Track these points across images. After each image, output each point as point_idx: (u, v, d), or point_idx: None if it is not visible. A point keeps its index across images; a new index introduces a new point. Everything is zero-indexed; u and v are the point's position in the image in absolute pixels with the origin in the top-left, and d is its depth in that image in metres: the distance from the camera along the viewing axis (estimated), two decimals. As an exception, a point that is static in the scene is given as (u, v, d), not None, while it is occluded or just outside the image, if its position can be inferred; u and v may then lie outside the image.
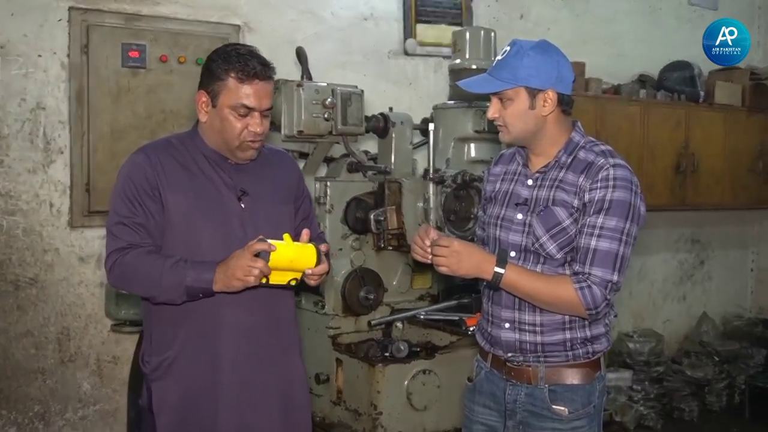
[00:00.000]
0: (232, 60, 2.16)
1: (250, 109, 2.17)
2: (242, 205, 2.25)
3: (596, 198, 2.07)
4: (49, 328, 3.76)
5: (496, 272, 2.08)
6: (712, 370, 5.49)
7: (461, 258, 2.08)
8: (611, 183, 2.07)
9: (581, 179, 2.11)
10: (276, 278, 2.10)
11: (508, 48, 2.16)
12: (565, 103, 2.16)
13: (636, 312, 5.81)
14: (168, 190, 2.18)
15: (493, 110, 2.18)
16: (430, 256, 2.13)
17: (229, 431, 2.23)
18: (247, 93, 2.16)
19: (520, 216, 2.19)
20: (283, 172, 2.42)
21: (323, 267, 2.15)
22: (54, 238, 3.76)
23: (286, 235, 2.11)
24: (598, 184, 2.08)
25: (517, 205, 2.21)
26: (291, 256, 2.08)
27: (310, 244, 2.13)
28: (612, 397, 5.00)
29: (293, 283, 2.15)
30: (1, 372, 3.66)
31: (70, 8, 3.72)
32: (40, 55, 3.68)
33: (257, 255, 2.03)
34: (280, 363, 2.33)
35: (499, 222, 2.25)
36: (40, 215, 3.73)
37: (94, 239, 3.83)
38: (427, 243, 2.13)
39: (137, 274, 2.14)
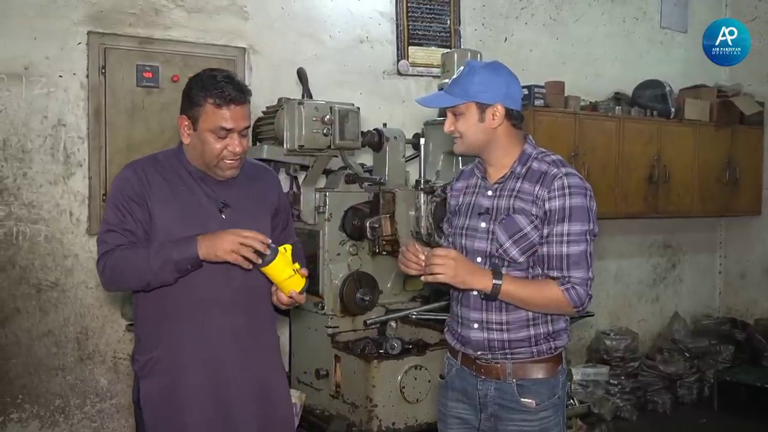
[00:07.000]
0: (208, 87, 2.12)
1: (228, 131, 2.14)
2: (223, 216, 2.21)
3: (557, 207, 2.08)
4: (68, 328, 3.73)
5: (495, 284, 2.07)
6: (683, 366, 5.48)
7: (457, 266, 2.06)
8: (567, 191, 2.08)
9: (537, 188, 2.11)
10: (275, 274, 2.11)
11: (462, 68, 2.19)
12: (514, 118, 2.16)
13: (613, 312, 5.76)
14: (154, 201, 2.16)
15: (448, 123, 2.20)
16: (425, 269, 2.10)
17: (211, 427, 2.19)
18: (225, 117, 2.12)
19: (483, 224, 2.18)
20: (265, 186, 2.38)
21: (302, 298, 2.19)
22: (73, 244, 3.72)
23: (288, 247, 2.11)
24: (556, 193, 2.08)
25: (479, 214, 2.20)
26: (289, 272, 2.12)
27: (303, 274, 2.16)
28: (590, 391, 4.98)
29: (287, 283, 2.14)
30: (25, 369, 3.62)
31: (89, 32, 3.70)
32: (60, 76, 3.65)
33: (266, 247, 2.05)
34: (260, 362, 2.29)
35: (464, 232, 2.24)
36: (61, 223, 3.69)
37: (111, 246, 3.81)
38: (422, 257, 2.10)
39: (127, 266, 2.11)
